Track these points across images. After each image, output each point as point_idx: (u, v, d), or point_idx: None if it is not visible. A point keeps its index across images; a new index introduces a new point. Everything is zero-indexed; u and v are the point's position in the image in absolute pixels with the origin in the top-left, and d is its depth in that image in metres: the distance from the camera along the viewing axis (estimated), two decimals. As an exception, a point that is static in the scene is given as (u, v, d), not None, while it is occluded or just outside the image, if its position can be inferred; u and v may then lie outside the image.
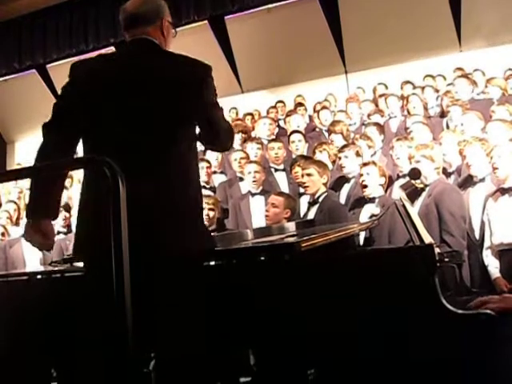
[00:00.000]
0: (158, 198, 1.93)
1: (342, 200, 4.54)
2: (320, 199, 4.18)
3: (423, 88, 6.96)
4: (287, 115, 7.42)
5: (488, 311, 1.87)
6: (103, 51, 9.49)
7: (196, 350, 1.94)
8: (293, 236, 2.53)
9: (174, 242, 1.93)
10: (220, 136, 2.24)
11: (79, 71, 2.12)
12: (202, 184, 5.39)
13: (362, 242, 3.94)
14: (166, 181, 1.97)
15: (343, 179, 4.76)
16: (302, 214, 4.40)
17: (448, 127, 5.48)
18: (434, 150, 3.98)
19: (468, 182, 4.08)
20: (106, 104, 2.03)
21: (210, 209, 4.32)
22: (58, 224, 5.32)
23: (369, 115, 6.84)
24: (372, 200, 4.07)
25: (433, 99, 6.55)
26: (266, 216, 4.06)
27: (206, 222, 4.30)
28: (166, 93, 2.01)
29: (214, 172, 5.83)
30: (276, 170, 5.32)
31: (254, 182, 4.80)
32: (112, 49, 9.68)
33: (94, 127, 2.04)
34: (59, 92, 2.15)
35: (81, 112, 2.03)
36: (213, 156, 5.94)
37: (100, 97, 2.03)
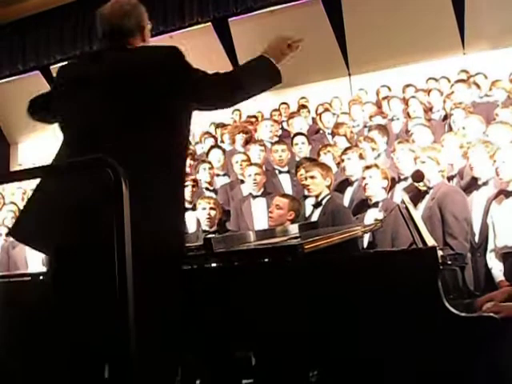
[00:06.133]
0: None
1: (346, 203, 4.53)
2: (323, 201, 4.18)
3: (429, 91, 6.94)
4: (290, 117, 7.42)
5: (491, 314, 1.87)
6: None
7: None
8: (296, 238, 2.53)
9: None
10: (212, 93, 2.12)
11: (59, 73, 2.23)
12: (205, 185, 5.40)
13: (365, 246, 3.93)
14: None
15: (346, 182, 4.75)
16: (306, 216, 4.40)
17: (451, 130, 5.47)
18: (440, 152, 3.98)
19: (472, 185, 4.07)
20: (76, 99, 2.07)
21: (211, 208, 4.36)
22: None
23: (370, 117, 6.84)
24: (375, 205, 4.06)
25: (439, 102, 6.54)
26: (270, 217, 4.06)
27: (207, 223, 4.34)
28: (135, 83, 2.00)
29: (217, 174, 5.83)
30: (280, 171, 5.33)
31: (254, 184, 4.81)
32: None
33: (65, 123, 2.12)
34: None
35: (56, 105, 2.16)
36: (215, 158, 5.95)
37: (72, 93, 2.09)
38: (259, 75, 2.23)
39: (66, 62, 2.35)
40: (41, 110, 2.31)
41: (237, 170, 5.48)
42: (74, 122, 2.05)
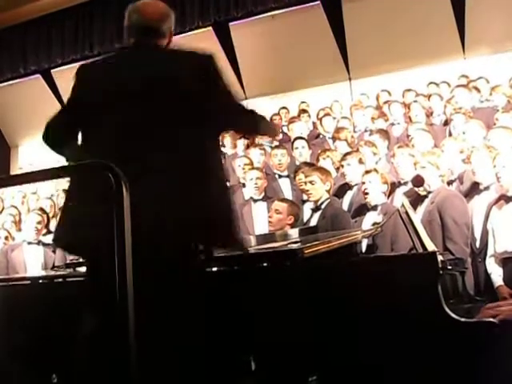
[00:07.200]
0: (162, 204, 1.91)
1: (345, 207, 4.53)
2: (323, 206, 4.18)
3: (430, 96, 6.95)
4: (290, 122, 7.41)
5: (491, 319, 1.87)
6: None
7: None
8: (296, 242, 2.53)
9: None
10: (239, 122, 2.38)
11: (84, 73, 2.19)
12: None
13: (364, 249, 3.92)
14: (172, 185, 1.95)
15: (346, 186, 4.75)
16: (305, 221, 4.39)
17: (451, 135, 5.47)
18: (440, 157, 3.97)
19: (472, 190, 4.07)
20: (107, 108, 2.05)
21: None
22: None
23: (373, 118, 6.83)
24: (374, 208, 4.06)
25: (439, 107, 6.54)
26: (270, 222, 4.06)
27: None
28: (170, 92, 2.03)
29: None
30: (280, 176, 5.33)
31: (255, 188, 4.81)
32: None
33: (93, 131, 2.08)
34: (64, 97, 2.20)
35: (82, 112, 2.10)
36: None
37: (101, 100, 2.06)
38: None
39: (87, 61, 2.33)
40: (65, 136, 2.22)
41: (239, 174, 5.48)
42: (111, 131, 2.02)
